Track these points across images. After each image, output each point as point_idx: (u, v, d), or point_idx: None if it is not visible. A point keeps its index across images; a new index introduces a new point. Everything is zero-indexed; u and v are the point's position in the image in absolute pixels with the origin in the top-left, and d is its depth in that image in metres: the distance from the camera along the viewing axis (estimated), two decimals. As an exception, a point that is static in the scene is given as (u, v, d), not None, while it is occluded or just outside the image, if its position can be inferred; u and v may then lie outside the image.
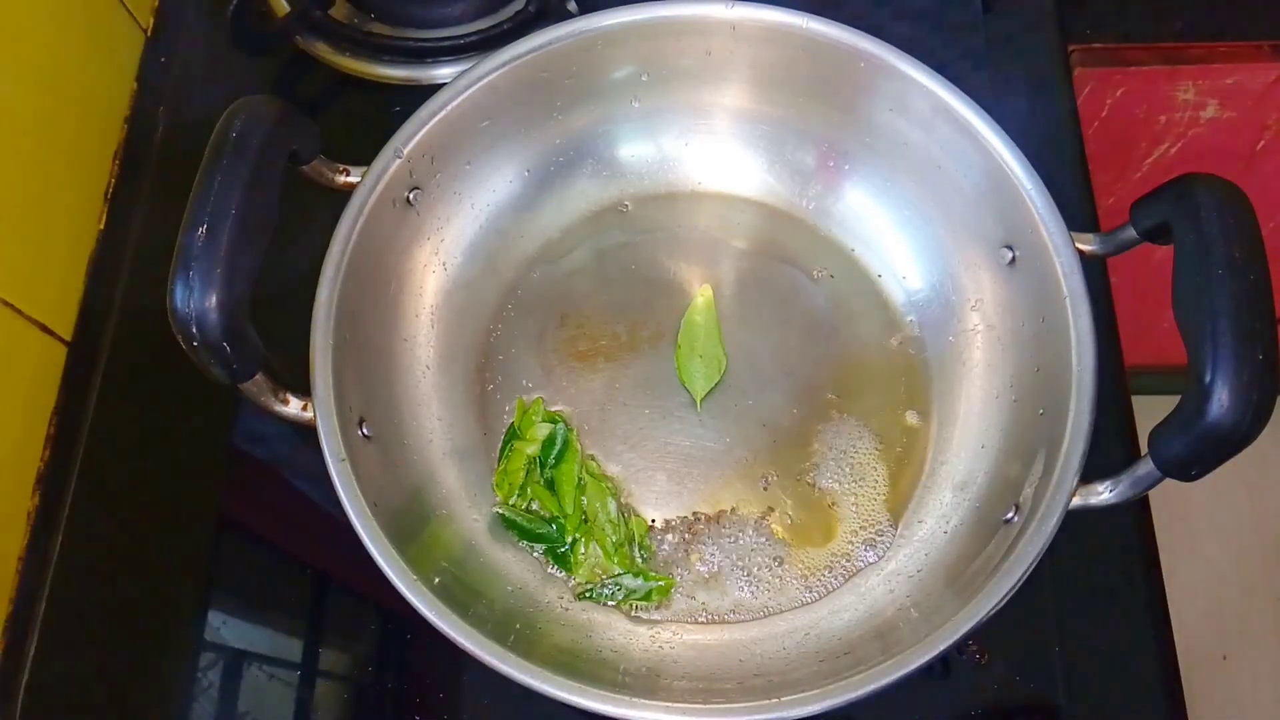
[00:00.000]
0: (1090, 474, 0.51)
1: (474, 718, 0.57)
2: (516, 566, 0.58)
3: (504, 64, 0.60)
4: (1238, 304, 0.46)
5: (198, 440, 0.65)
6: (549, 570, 0.58)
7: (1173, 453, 0.48)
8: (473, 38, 0.73)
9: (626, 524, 0.59)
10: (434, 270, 0.64)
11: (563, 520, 0.59)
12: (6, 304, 0.59)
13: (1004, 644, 0.58)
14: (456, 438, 0.62)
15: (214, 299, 0.46)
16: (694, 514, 0.60)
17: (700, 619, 0.57)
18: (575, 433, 0.61)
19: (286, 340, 0.53)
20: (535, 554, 0.59)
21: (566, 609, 0.57)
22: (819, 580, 0.58)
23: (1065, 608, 0.59)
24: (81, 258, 0.68)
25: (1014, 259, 0.59)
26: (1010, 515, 0.53)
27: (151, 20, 0.77)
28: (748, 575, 0.58)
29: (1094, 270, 0.60)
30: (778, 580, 0.58)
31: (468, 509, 0.60)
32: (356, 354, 0.56)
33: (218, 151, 0.48)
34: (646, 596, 0.57)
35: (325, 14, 0.73)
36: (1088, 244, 0.56)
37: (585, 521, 0.59)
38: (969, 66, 0.76)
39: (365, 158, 0.58)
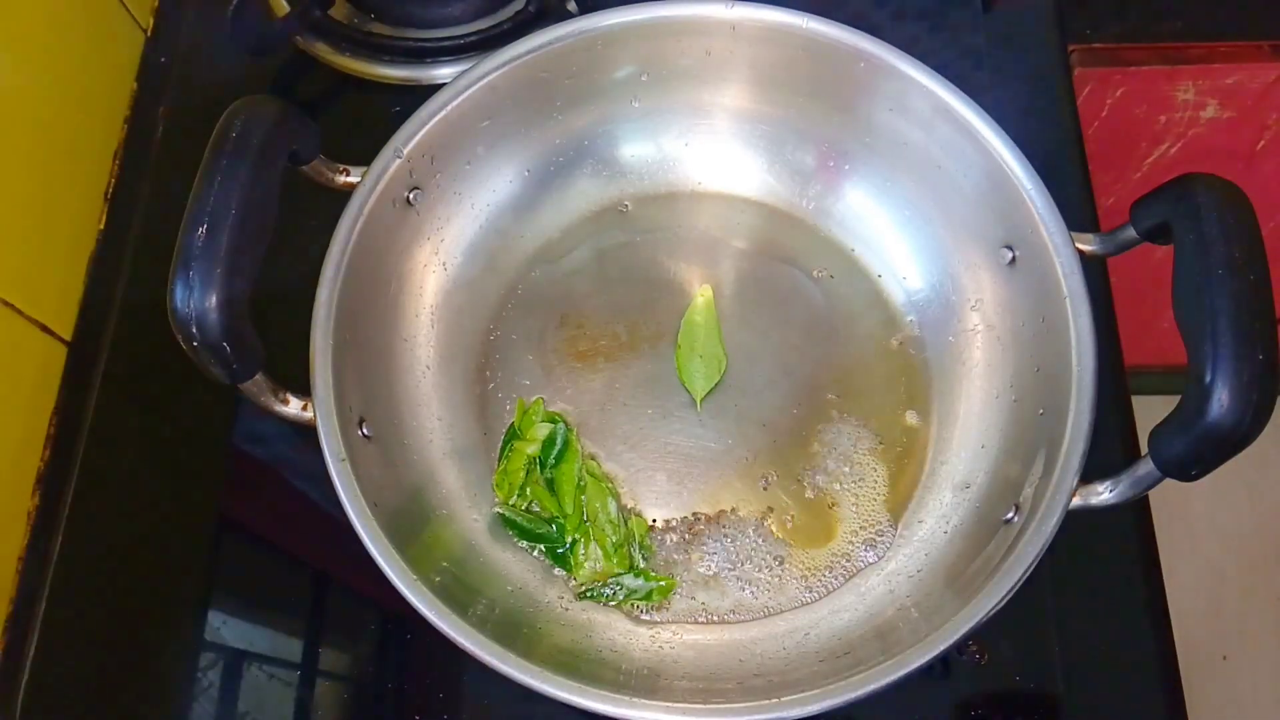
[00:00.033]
0: (1090, 474, 0.51)
1: (474, 718, 0.57)
2: (516, 566, 0.58)
3: (504, 64, 0.60)
4: (1238, 304, 0.46)
5: (198, 440, 0.65)
6: (549, 570, 0.58)
7: (1173, 453, 0.48)
8: (473, 38, 0.73)
9: (626, 524, 0.59)
10: (434, 270, 0.64)
11: (562, 520, 0.59)
12: (6, 304, 0.59)
13: (1004, 644, 0.58)
14: (456, 438, 0.62)
15: (214, 299, 0.46)
16: (694, 514, 0.60)
17: (700, 619, 0.57)
18: (575, 432, 0.61)
19: (286, 340, 0.53)
20: (535, 554, 0.59)
21: (567, 609, 0.57)
22: (819, 580, 0.58)
23: (1065, 608, 0.59)
24: (81, 258, 0.68)
25: (1014, 259, 0.59)
26: (1010, 515, 0.53)
27: (151, 20, 0.77)
28: (748, 575, 0.58)
29: (1094, 270, 0.60)
30: (778, 580, 0.58)
31: (468, 509, 0.60)
32: (356, 354, 0.56)
33: (218, 151, 0.48)
34: (647, 596, 0.57)
35: (325, 14, 0.73)
36: (1088, 244, 0.56)
37: (585, 522, 0.59)
38: (969, 66, 0.76)
39: (365, 158, 0.58)
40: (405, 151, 0.58)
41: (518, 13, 0.74)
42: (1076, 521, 0.50)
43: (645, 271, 0.67)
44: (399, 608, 0.49)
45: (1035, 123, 0.74)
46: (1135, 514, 0.61)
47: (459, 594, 0.51)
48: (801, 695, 0.47)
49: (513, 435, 0.61)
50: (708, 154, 0.69)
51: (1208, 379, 0.45)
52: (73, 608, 0.60)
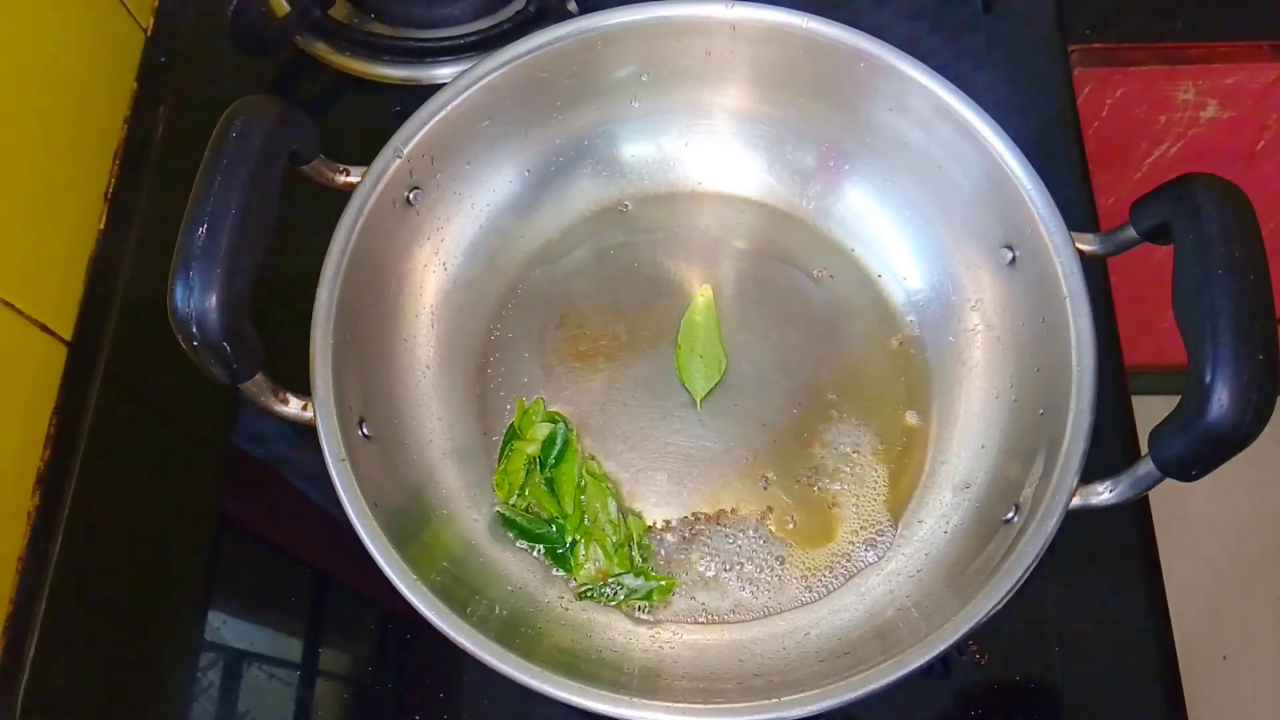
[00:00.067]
0: (1090, 474, 0.51)
1: (474, 718, 0.57)
2: (517, 566, 0.58)
3: (504, 64, 0.60)
4: (1238, 304, 0.46)
5: (198, 440, 0.65)
6: (549, 570, 0.58)
7: (1173, 453, 0.48)
8: (473, 38, 0.73)
9: (626, 524, 0.59)
10: (434, 270, 0.64)
11: (562, 521, 0.59)
12: (6, 304, 0.59)
13: (1004, 644, 0.58)
14: (456, 438, 0.62)
15: (214, 299, 0.46)
16: (694, 514, 0.60)
17: (700, 619, 0.57)
18: (575, 432, 0.61)
19: (286, 340, 0.53)
20: (535, 554, 0.59)
21: (567, 609, 0.57)
22: (819, 580, 0.58)
23: (1065, 608, 0.59)
24: (81, 258, 0.68)
25: (1014, 259, 0.59)
26: (1010, 515, 0.53)
27: (151, 20, 0.77)
28: (748, 575, 0.58)
29: (1094, 270, 0.60)
30: (778, 580, 0.58)
31: (468, 509, 0.60)
32: (356, 354, 0.56)
33: (218, 151, 0.48)
34: (648, 596, 0.57)
35: (325, 14, 0.73)
36: (1088, 244, 0.56)
37: (586, 522, 0.59)
38: (969, 66, 0.76)
39: (365, 158, 0.58)
40: (405, 151, 0.58)
41: (518, 13, 0.74)
42: (1076, 521, 0.50)
43: (645, 271, 0.67)
44: (399, 608, 0.49)
45: (1035, 123, 0.74)
46: (1135, 514, 0.61)
47: (459, 594, 0.51)
48: (801, 695, 0.47)
49: (513, 435, 0.61)
50: (708, 154, 0.69)
51: (1208, 379, 0.45)
52: (73, 608, 0.60)
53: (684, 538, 0.60)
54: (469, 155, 0.63)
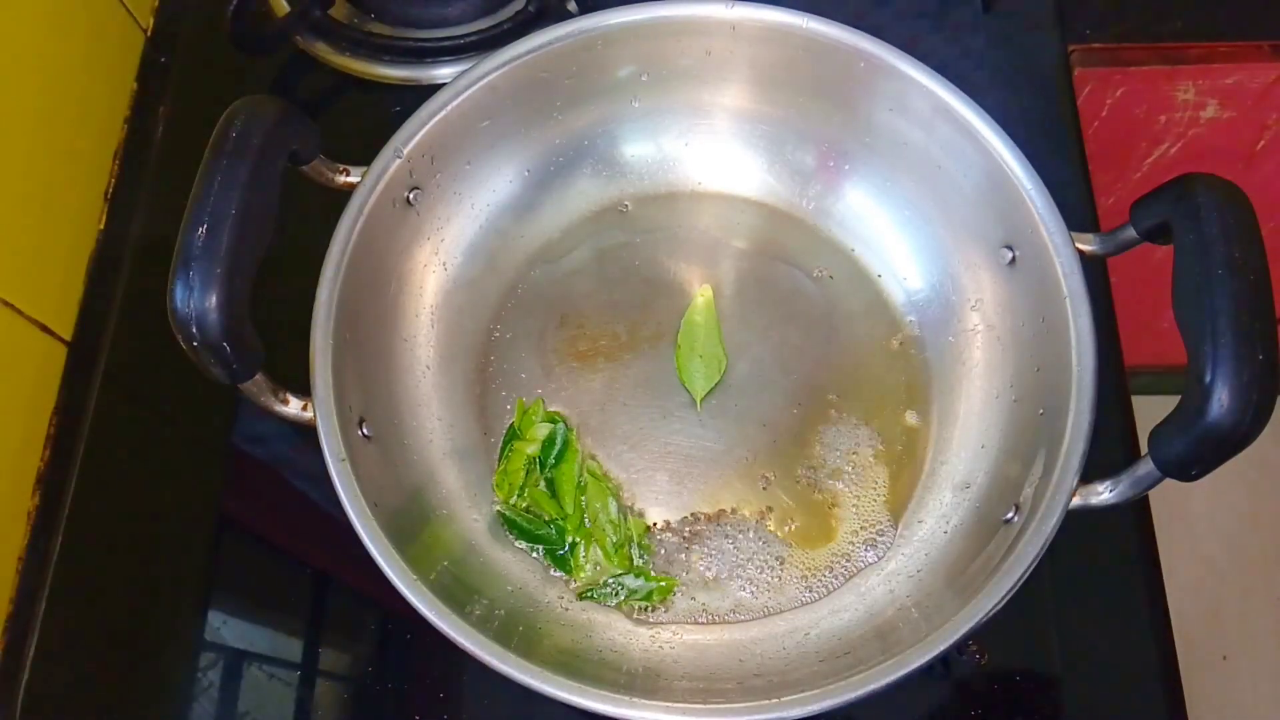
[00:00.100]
0: (1090, 474, 0.51)
1: (474, 718, 0.57)
2: (517, 566, 0.58)
3: (504, 64, 0.60)
4: (1238, 304, 0.46)
5: (198, 440, 0.65)
6: (549, 570, 0.58)
7: (1173, 453, 0.48)
8: (473, 38, 0.73)
9: (626, 524, 0.59)
10: (434, 270, 0.64)
11: (562, 522, 0.59)
12: (6, 304, 0.59)
13: (1004, 644, 0.58)
14: (456, 438, 0.62)
15: (214, 299, 0.46)
16: (694, 514, 0.60)
17: (700, 619, 0.57)
18: (575, 432, 0.61)
19: (286, 340, 0.53)
20: (535, 554, 0.59)
21: (567, 609, 0.57)
22: (819, 580, 0.58)
23: (1065, 608, 0.59)
24: (81, 258, 0.68)
25: (1014, 259, 0.59)
26: (1010, 515, 0.53)
27: (151, 20, 0.77)
28: (748, 575, 0.58)
29: (1094, 270, 0.60)
30: (778, 580, 0.58)
31: (468, 509, 0.60)
32: (356, 354, 0.56)
33: (218, 151, 0.48)
34: (648, 597, 0.57)
35: (325, 14, 0.73)
36: (1088, 244, 0.56)
37: (586, 523, 0.59)
38: (969, 66, 0.76)
39: (365, 158, 0.58)
40: (405, 151, 0.58)
41: (518, 13, 0.74)
42: (1076, 521, 0.50)
43: (645, 271, 0.67)
44: (399, 608, 0.49)
45: (1035, 123, 0.74)
46: (1135, 514, 0.61)
47: (459, 594, 0.51)
48: (801, 695, 0.47)
49: (513, 435, 0.61)
50: (708, 154, 0.69)
51: (1208, 379, 0.45)
52: (73, 608, 0.60)
53: (684, 538, 0.60)
54: (469, 155, 0.63)
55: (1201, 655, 1.40)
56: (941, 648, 0.48)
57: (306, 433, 0.52)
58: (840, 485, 0.61)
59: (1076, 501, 0.50)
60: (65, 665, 0.59)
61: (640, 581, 0.57)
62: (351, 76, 0.74)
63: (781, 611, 0.57)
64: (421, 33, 0.74)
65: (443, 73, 0.73)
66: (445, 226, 0.64)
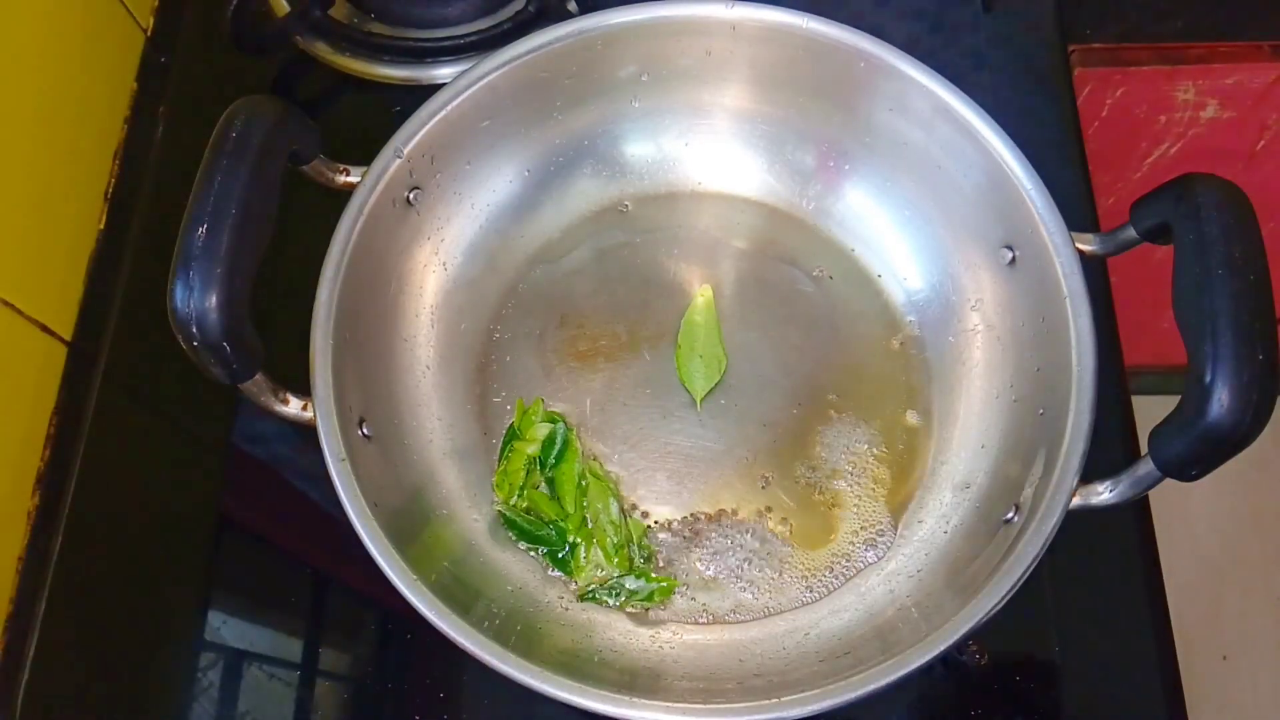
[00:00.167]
0: (1090, 474, 0.51)
1: (474, 718, 0.57)
2: (517, 566, 0.58)
3: (504, 64, 0.60)
4: (1238, 304, 0.46)
5: (198, 440, 0.65)
6: (549, 571, 0.58)
7: (1173, 453, 0.48)
8: (473, 38, 0.73)
9: (627, 525, 0.59)
10: (434, 270, 0.64)
11: (563, 522, 0.59)
12: (6, 304, 0.59)
13: (1004, 644, 0.58)
14: (456, 438, 0.62)
15: (214, 299, 0.46)
16: (694, 514, 0.60)
17: (700, 619, 0.57)
18: (575, 432, 0.61)
19: (286, 340, 0.53)
20: (535, 555, 0.59)
21: (567, 609, 0.57)
22: (819, 580, 0.58)
23: (1065, 608, 0.59)
24: (81, 258, 0.68)
25: (1014, 259, 0.59)
26: (1010, 515, 0.53)
27: (151, 20, 0.77)
28: (748, 575, 0.58)
29: (1094, 270, 0.60)
30: (778, 580, 0.58)
31: (468, 509, 0.60)
32: (356, 354, 0.56)
33: (218, 151, 0.48)
34: (649, 597, 0.57)
35: (325, 14, 0.73)
36: (1088, 244, 0.56)
37: (586, 522, 0.59)
38: (969, 66, 0.76)
39: (365, 158, 0.58)
40: (405, 151, 0.58)
41: (518, 13, 0.74)
42: (1076, 521, 0.50)
43: (645, 271, 0.67)
44: (399, 608, 0.49)
45: (1035, 123, 0.74)
46: (1135, 514, 0.61)
47: (459, 594, 0.51)
48: (801, 695, 0.47)
49: (513, 435, 0.61)
50: (708, 154, 0.69)
51: (1208, 379, 0.45)
52: (73, 607, 0.60)
53: (684, 538, 0.60)
54: (469, 155, 0.63)
55: (1201, 655, 1.40)
56: (941, 648, 0.48)
57: (306, 433, 0.52)
58: (840, 485, 0.61)
59: (1076, 501, 0.50)
60: (65, 665, 0.59)
61: (640, 582, 0.57)
62: (351, 76, 0.74)
63: (781, 611, 0.57)
64: (421, 33, 0.74)
65: (443, 73, 0.73)
66: (445, 226, 0.64)
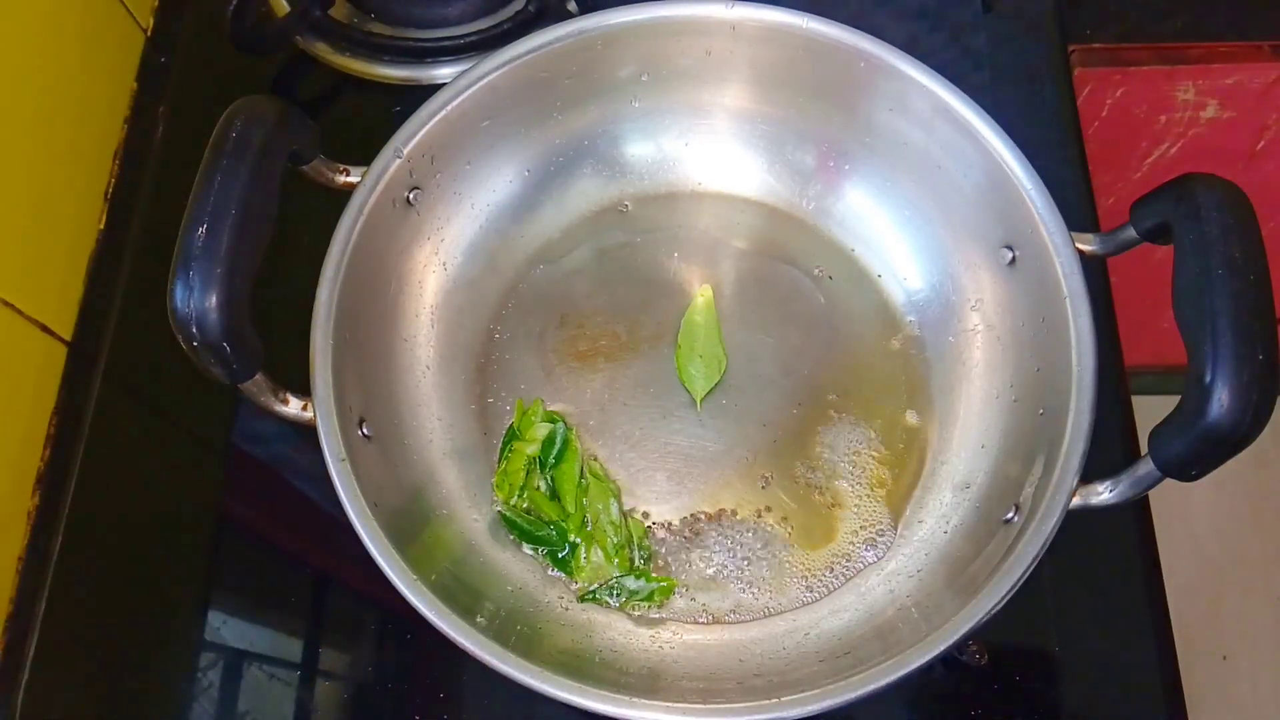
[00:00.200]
0: (1090, 474, 0.51)
1: (474, 718, 0.57)
2: (517, 567, 0.58)
3: (504, 64, 0.60)
4: (1238, 304, 0.46)
5: (198, 440, 0.65)
6: (549, 571, 0.58)
7: (1173, 453, 0.48)
8: (473, 38, 0.73)
9: (627, 525, 0.59)
10: (434, 270, 0.64)
11: (563, 523, 0.59)
12: (6, 304, 0.59)
13: (1004, 644, 0.58)
14: (456, 438, 0.62)
15: (214, 299, 0.46)
16: (694, 514, 0.60)
17: (700, 619, 0.57)
18: (575, 432, 0.61)
19: (286, 340, 0.53)
20: (535, 555, 0.59)
21: (567, 609, 0.57)
22: (819, 580, 0.58)
23: (1065, 608, 0.59)
24: (81, 258, 0.68)
25: (1014, 259, 0.59)
26: (1010, 515, 0.53)
27: (151, 20, 0.77)
28: (748, 575, 0.58)
29: (1094, 270, 0.60)
30: (778, 580, 0.58)
31: (468, 509, 0.60)
32: (356, 354, 0.56)
33: (218, 151, 0.48)
34: (649, 597, 0.57)
35: (325, 14, 0.73)
36: (1088, 244, 0.56)
37: (587, 524, 0.59)
38: (969, 66, 0.76)
39: (365, 158, 0.58)
40: (405, 151, 0.58)
41: (518, 13, 0.74)
42: (1076, 521, 0.50)
43: (645, 271, 0.67)
44: (399, 608, 0.49)
45: (1035, 123, 0.74)
46: (1135, 514, 0.61)
47: (459, 594, 0.51)
48: (801, 695, 0.47)
49: (512, 436, 0.61)
50: (708, 154, 0.69)
51: (1208, 379, 0.45)
52: (73, 607, 0.60)
53: (684, 538, 0.60)
54: (469, 155, 0.63)
55: (1201, 655, 1.40)
56: (941, 648, 0.48)
57: (306, 433, 0.52)
58: (840, 485, 0.61)
59: (1076, 501, 0.50)
60: (65, 665, 0.59)
61: (640, 582, 0.57)
62: (351, 76, 0.74)
63: (781, 611, 0.57)
64: (421, 33, 0.74)
65: (443, 73, 0.73)
66: (445, 226, 0.64)
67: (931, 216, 0.64)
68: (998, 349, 0.61)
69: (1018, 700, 0.58)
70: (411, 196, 0.60)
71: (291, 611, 0.60)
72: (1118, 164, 1.00)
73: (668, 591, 0.57)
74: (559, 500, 0.59)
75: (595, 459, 0.61)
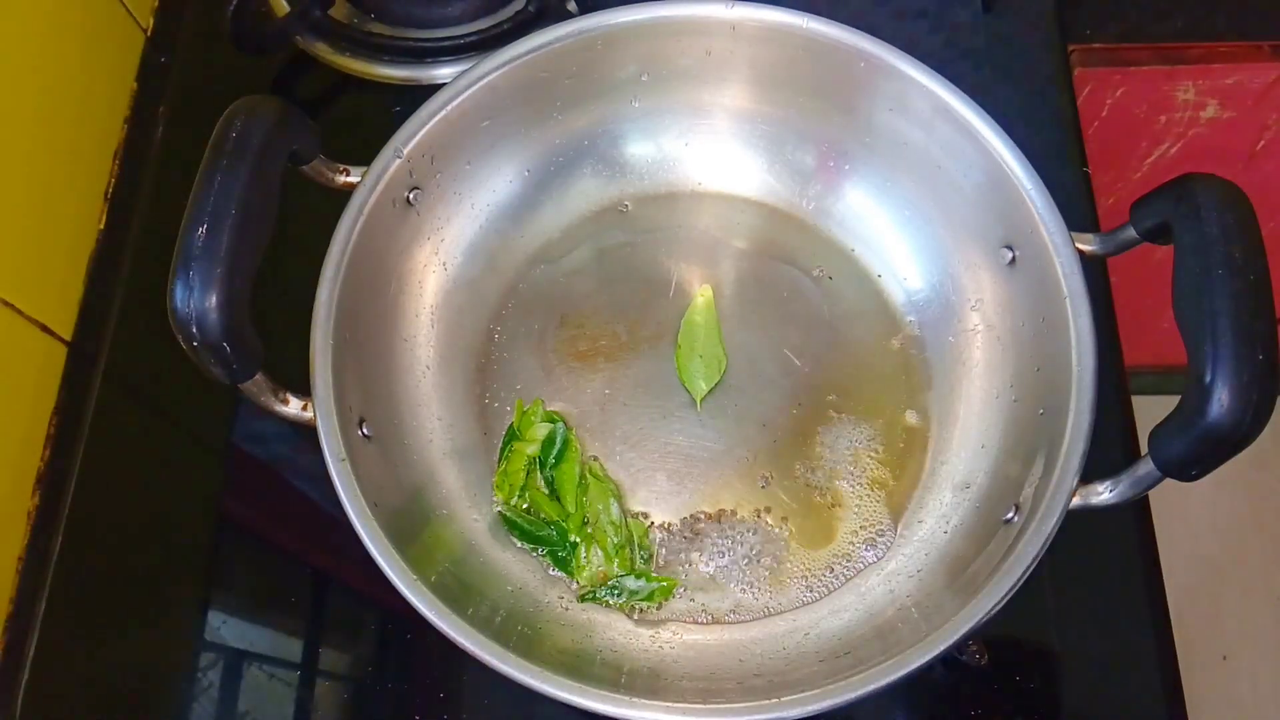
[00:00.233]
0: (1090, 474, 0.51)
1: (474, 718, 0.57)
2: (517, 567, 0.58)
3: (504, 64, 0.60)
4: (1238, 304, 0.46)
5: (198, 440, 0.65)
6: (549, 571, 0.58)
7: (1173, 453, 0.48)
8: (473, 38, 0.73)
9: (628, 525, 0.59)
10: (434, 270, 0.64)
11: (564, 523, 0.59)
12: (6, 304, 0.59)
13: (1004, 644, 0.58)
14: (456, 438, 0.62)
15: (214, 299, 0.46)
16: (694, 514, 0.60)
17: (701, 619, 0.57)
18: (574, 432, 0.61)
19: (286, 340, 0.53)
20: (536, 555, 0.59)
21: (567, 609, 0.57)
22: (819, 580, 0.58)
23: (1065, 608, 0.59)
24: (81, 258, 0.68)
25: (1014, 259, 0.59)
26: (1010, 515, 0.53)
27: (151, 20, 0.77)
28: (748, 575, 0.58)
29: (1094, 270, 0.60)
30: (778, 580, 0.58)
31: (468, 509, 0.60)
32: (356, 354, 0.56)
33: (218, 151, 0.48)
34: (649, 597, 0.57)
35: (325, 14, 0.73)
36: (1088, 244, 0.56)
37: (587, 524, 0.59)
38: (969, 66, 0.76)
39: (365, 158, 0.58)
40: (405, 151, 0.58)
41: (518, 13, 0.74)
42: (1076, 521, 0.50)
43: (645, 271, 0.67)
44: (399, 608, 0.49)
45: (1035, 123, 0.74)
46: (1135, 514, 0.61)
47: (459, 594, 0.51)
48: (801, 695, 0.47)
49: (512, 436, 0.61)
50: (708, 154, 0.69)
51: (1208, 379, 0.45)
52: (73, 607, 0.60)
53: (684, 538, 0.60)
54: (469, 155, 0.63)
55: (1201, 655, 1.40)
56: (941, 648, 0.48)
57: (306, 433, 0.52)
58: (840, 485, 0.61)
59: (1076, 501, 0.50)
60: (65, 665, 0.59)
61: (641, 582, 0.57)
62: (351, 76, 0.74)
63: (781, 611, 0.57)
64: (421, 33, 0.74)
65: (443, 73, 0.73)
66: (445, 226, 0.64)
67: (931, 216, 0.64)
68: (998, 349, 0.61)
69: (1018, 700, 0.58)
70: (411, 196, 0.60)
71: (291, 611, 0.60)
72: (1118, 164, 1.00)
73: (668, 591, 0.57)
74: (559, 500, 0.59)
75: (595, 459, 0.61)
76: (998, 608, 0.48)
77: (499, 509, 0.60)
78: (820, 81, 0.63)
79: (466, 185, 0.64)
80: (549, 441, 0.60)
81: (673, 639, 0.56)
